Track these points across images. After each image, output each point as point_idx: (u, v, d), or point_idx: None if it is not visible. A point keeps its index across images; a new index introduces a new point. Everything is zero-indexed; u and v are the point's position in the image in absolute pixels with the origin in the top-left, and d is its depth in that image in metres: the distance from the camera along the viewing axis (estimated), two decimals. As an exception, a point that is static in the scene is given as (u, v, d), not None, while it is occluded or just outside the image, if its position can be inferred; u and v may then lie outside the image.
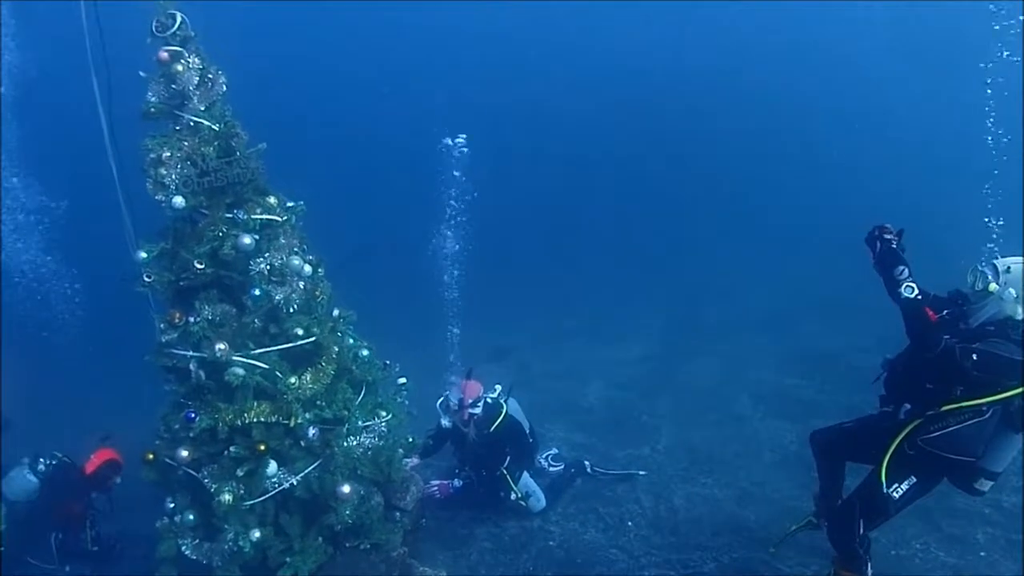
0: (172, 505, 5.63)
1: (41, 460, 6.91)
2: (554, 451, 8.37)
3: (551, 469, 8.00)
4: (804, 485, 7.34)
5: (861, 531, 5.06)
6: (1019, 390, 4.55)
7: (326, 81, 21.28)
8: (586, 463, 8.01)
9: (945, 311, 4.90)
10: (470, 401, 6.91)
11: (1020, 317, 4.57)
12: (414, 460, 6.85)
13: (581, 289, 14.47)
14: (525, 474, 7.30)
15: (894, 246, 4.63)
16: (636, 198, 18.38)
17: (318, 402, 5.50)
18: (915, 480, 4.88)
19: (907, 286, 4.48)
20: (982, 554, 6.24)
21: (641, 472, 8.05)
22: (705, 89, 20.15)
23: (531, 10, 18.66)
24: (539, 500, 7.32)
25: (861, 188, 15.99)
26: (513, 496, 7.11)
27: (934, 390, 4.78)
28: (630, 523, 7.23)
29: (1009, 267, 4.62)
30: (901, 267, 4.53)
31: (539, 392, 10.57)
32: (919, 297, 4.49)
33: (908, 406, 4.92)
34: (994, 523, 6.64)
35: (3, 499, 6.74)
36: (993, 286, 4.62)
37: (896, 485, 4.88)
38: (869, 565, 5.26)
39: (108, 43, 5.79)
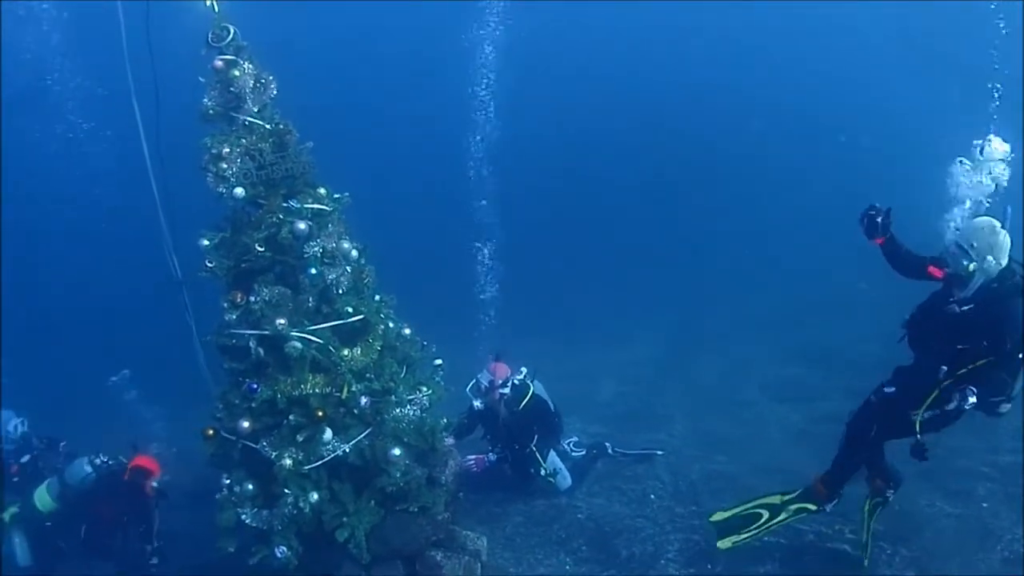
0: (228, 481, 6.01)
1: (100, 455, 7.28)
2: (575, 439, 8.78)
3: (574, 454, 8.42)
4: (812, 456, 7.75)
5: (872, 434, 5.50)
6: None
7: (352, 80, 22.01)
8: (607, 445, 8.46)
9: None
10: (500, 382, 7.38)
11: (1005, 263, 5.01)
12: (449, 440, 7.26)
13: (588, 295, 14.90)
14: (552, 453, 7.74)
15: (876, 224, 5.30)
16: (639, 205, 18.86)
17: (367, 375, 5.95)
18: (938, 412, 5.22)
19: (969, 403, 4.84)
20: (984, 505, 6.71)
21: (659, 452, 8.49)
22: (705, 95, 20.63)
23: (540, 10, 19.11)
24: (565, 478, 7.75)
25: (858, 191, 16.50)
26: (543, 472, 7.53)
27: (964, 350, 5.11)
28: (652, 496, 7.67)
29: (972, 244, 4.96)
30: (952, 394, 4.94)
31: (554, 392, 10.98)
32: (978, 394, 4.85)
33: (945, 368, 5.22)
34: (993, 479, 7.12)
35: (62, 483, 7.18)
36: (972, 266, 4.97)
37: (923, 411, 5.24)
38: (833, 502, 5.77)
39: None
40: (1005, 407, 5.20)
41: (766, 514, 5.80)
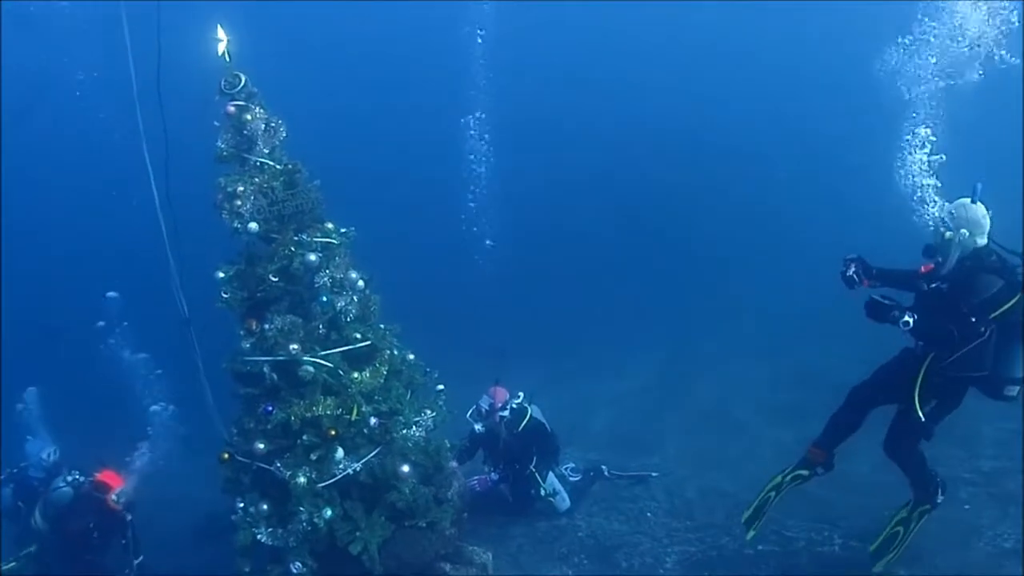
0: (242, 504, 6.26)
1: (74, 472, 7.51)
2: (572, 464, 9.03)
3: (571, 479, 8.68)
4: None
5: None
6: (1005, 308, 5.28)
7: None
8: (603, 467, 8.75)
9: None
10: (499, 405, 7.71)
11: (983, 243, 5.44)
12: (452, 463, 7.53)
13: (578, 326, 15.19)
14: (551, 474, 8.02)
15: (851, 274, 5.75)
16: (626, 231, 19.19)
17: (376, 397, 6.29)
18: (936, 402, 5.67)
19: (903, 323, 5.35)
20: (966, 507, 7.02)
21: (654, 473, 8.79)
22: (693, 115, 20.78)
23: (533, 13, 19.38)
24: (564, 499, 8.03)
25: (843, 210, 16.91)
26: (543, 492, 7.80)
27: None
28: (649, 514, 7.97)
29: (952, 213, 5.47)
30: (890, 313, 5.39)
31: (550, 420, 11.27)
32: (915, 321, 5.34)
33: (922, 343, 5.71)
34: (975, 484, 7.45)
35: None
36: (948, 234, 5.43)
37: (921, 407, 5.64)
38: (940, 492, 6.03)
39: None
40: (1011, 390, 5.53)
41: (902, 529, 6.07)
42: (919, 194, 5.60)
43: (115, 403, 8.91)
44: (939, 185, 5.61)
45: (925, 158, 5.61)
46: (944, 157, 5.63)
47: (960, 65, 5.79)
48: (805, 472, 6.35)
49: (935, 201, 5.56)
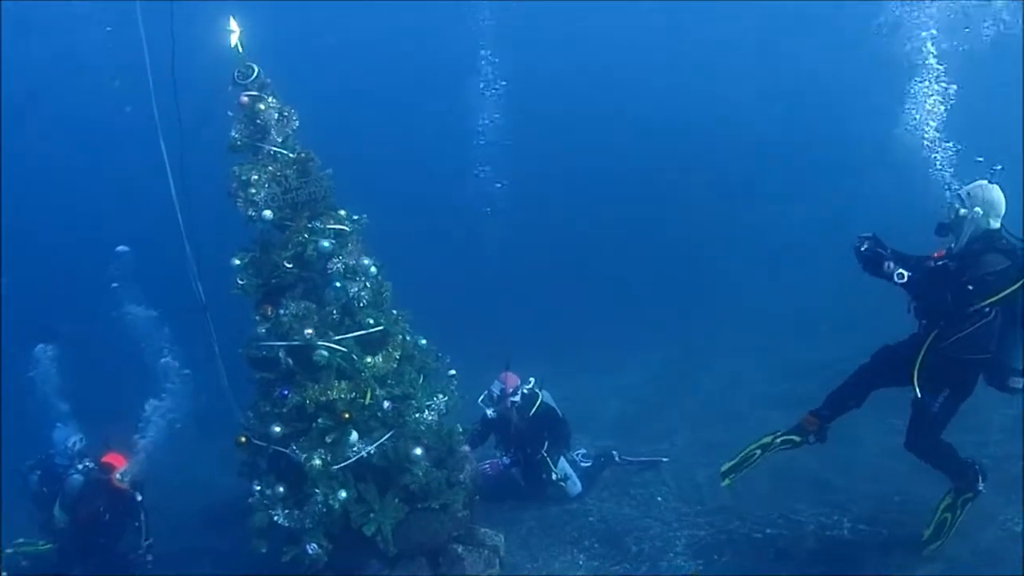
0: (259, 487, 6.38)
1: (85, 460, 7.64)
2: (583, 450, 9.11)
3: (583, 464, 8.76)
4: (812, 456, 8.13)
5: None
6: (1009, 291, 5.32)
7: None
8: (614, 453, 8.84)
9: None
10: (511, 390, 7.80)
11: (996, 227, 5.50)
12: (464, 448, 7.63)
13: (578, 330, 15.24)
14: (562, 459, 8.12)
15: (864, 248, 5.72)
16: (623, 239, 19.25)
17: (388, 381, 6.38)
18: (948, 391, 5.71)
19: (897, 274, 5.48)
20: (974, 491, 7.04)
21: (664, 459, 8.86)
22: (691, 110, 20.83)
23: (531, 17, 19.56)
24: (575, 484, 8.13)
25: (839, 211, 16.93)
26: (554, 476, 7.90)
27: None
28: (659, 499, 8.05)
29: (969, 192, 5.55)
30: (884, 264, 5.52)
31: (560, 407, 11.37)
32: (910, 277, 5.45)
33: (924, 321, 5.77)
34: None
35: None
36: (963, 211, 5.52)
37: (932, 398, 5.71)
38: (980, 479, 6.04)
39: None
40: (1016, 382, 5.55)
41: (949, 516, 6.14)
42: (928, 127, 5.64)
43: (128, 364, 8.90)
44: (944, 117, 5.64)
45: (937, 87, 5.65)
46: (956, 86, 5.66)
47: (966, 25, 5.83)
48: (796, 438, 6.45)
49: (942, 146, 5.60)
